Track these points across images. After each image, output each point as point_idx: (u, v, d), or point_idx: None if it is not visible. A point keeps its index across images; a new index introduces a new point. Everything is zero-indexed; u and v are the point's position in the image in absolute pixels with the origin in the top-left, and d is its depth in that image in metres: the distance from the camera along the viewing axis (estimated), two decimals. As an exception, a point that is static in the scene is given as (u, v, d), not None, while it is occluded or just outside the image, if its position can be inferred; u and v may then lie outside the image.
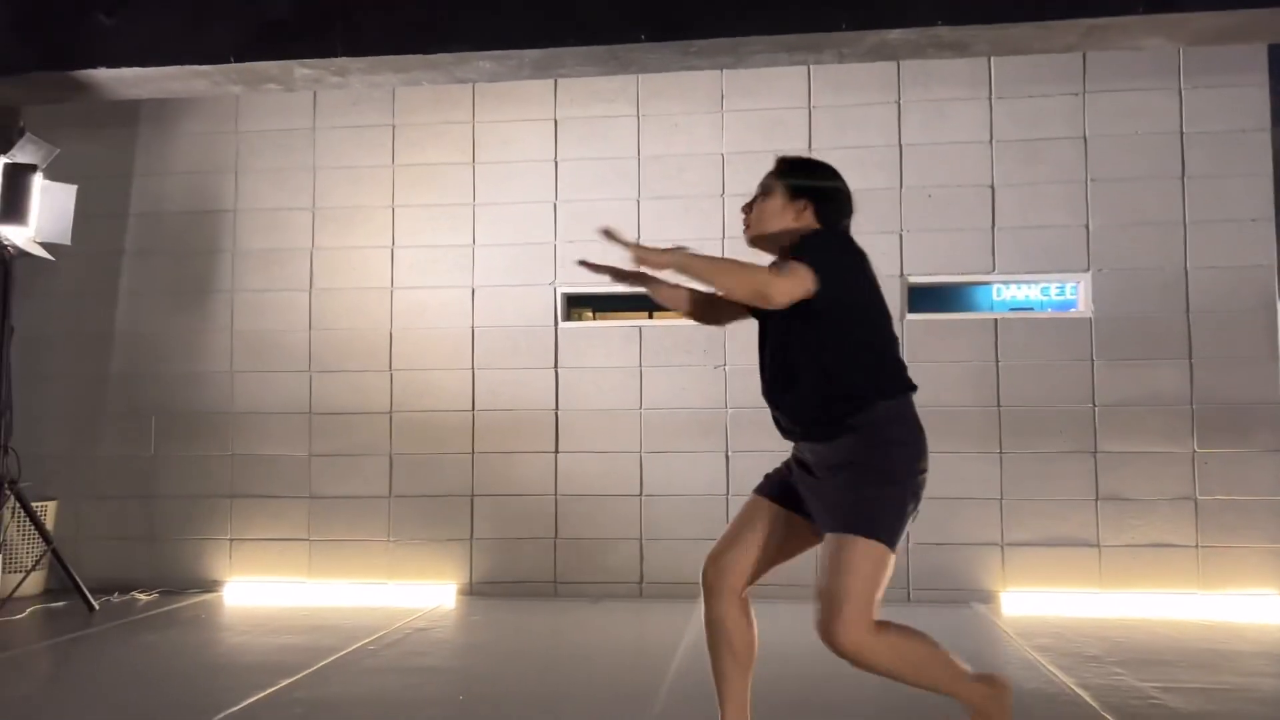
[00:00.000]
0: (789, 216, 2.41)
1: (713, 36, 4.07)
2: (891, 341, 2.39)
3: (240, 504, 5.28)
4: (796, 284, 2.21)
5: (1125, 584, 4.68)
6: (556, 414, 5.11)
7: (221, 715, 3.01)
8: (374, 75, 4.47)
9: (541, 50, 4.20)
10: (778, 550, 2.41)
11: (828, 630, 2.15)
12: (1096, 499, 4.74)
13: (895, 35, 4.02)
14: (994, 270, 4.90)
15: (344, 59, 4.29)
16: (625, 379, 5.08)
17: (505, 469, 5.11)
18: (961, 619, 4.45)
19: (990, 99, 4.94)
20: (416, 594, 5.01)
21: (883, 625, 2.19)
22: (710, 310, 2.58)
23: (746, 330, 4.90)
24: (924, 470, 2.29)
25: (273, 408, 5.29)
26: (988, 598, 4.75)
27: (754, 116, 5.09)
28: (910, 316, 4.92)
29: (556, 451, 5.09)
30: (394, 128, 5.33)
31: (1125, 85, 4.84)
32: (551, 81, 5.17)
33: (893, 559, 2.22)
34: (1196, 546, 4.66)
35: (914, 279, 4.96)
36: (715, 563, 2.39)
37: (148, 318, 5.43)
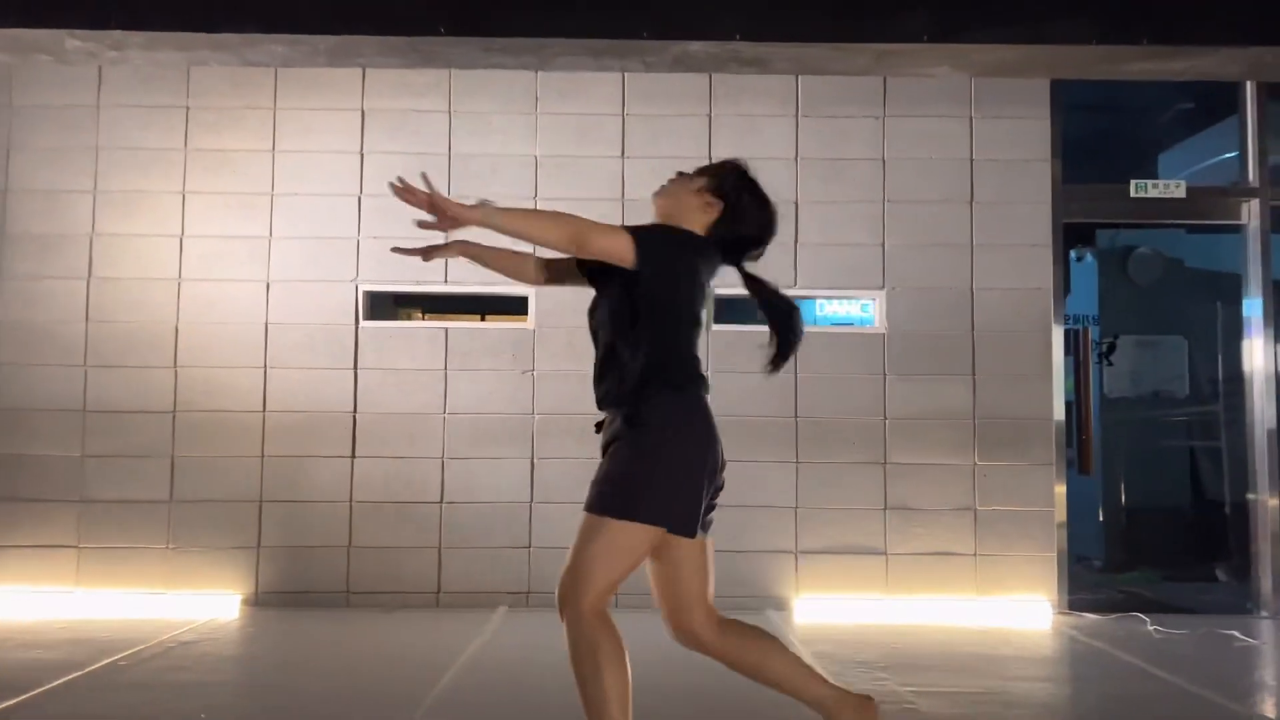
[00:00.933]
0: (694, 201, 2.40)
1: (513, 35, 4.00)
2: (692, 345, 2.38)
3: (2, 508, 4.85)
4: (613, 241, 2.20)
5: (909, 590, 4.85)
6: (355, 416, 4.92)
7: (-79, 743, 2.72)
8: (155, 52, 4.20)
9: (335, 37, 4.03)
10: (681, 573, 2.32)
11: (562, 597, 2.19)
12: (885, 508, 4.90)
13: (696, 47, 4.05)
14: (795, 285, 5.00)
15: (120, 32, 4.01)
16: (429, 381, 4.94)
17: (297, 473, 4.88)
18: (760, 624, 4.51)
19: (797, 117, 5.05)
20: (196, 605, 4.71)
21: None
22: (548, 270, 2.57)
23: (556, 336, 4.89)
24: (698, 456, 2.26)
25: (43, 404, 4.89)
26: (782, 604, 4.84)
27: (569, 120, 5.05)
28: (715, 328, 4.98)
29: (353, 456, 4.90)
30: (188, 109, 5.02)
31: (922, 111, 5.04)
32: (359, 71, 4.99)
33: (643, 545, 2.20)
34: (975, 554, 4.88)
35: (719, 290, 5.00)
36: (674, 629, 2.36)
37: (-102, 302, 4.94)
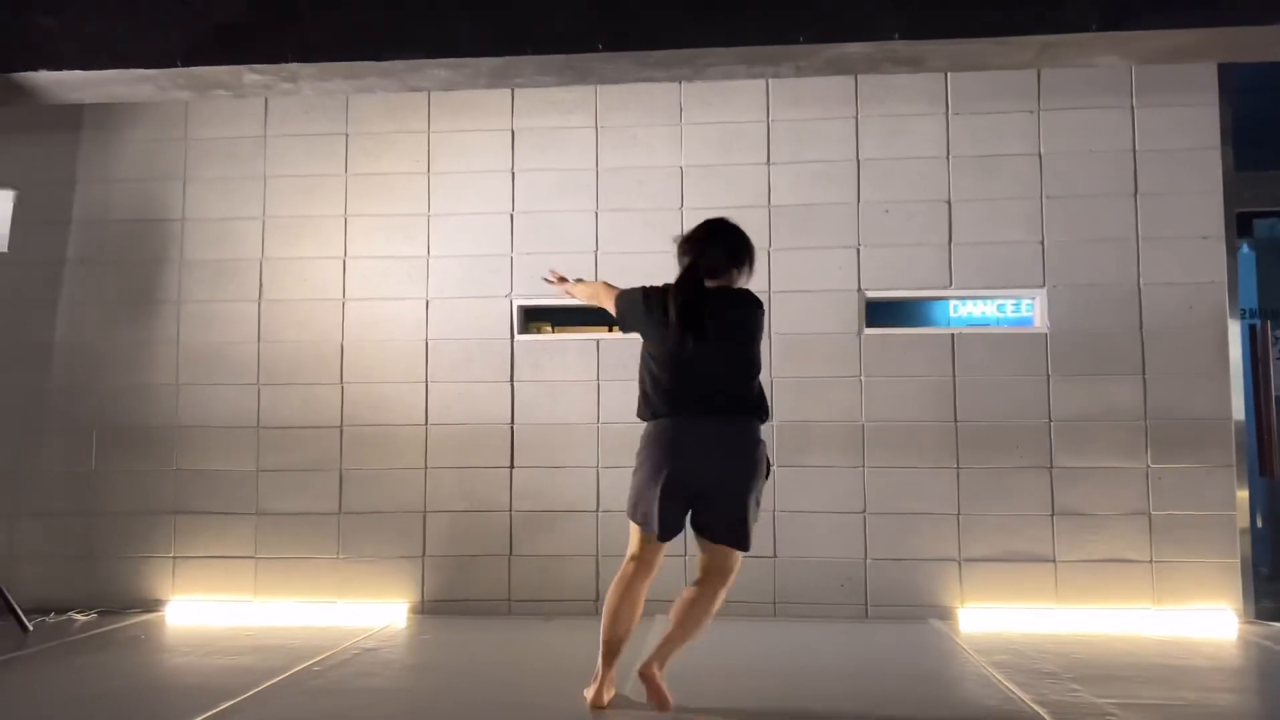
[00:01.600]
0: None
1: (669, 48, 4.03)
2: (658, 378, 3.15)
3: (184, 520, 5.12)
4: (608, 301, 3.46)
5: (1081, 599, 4.68)
6: (512, 428, 5.02)
7: (154, 741, 2.88)
8: (325, 82, 4.38)
9: (497, 59, 4.14)
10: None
11: None
12: (1052, 514, 4.74)
13: (853, 49, 4.01)
14: (950, 285, 4.90)
15: (295, 64, 4.20)
16: (583, 392, 5.01)
17: (459, 484, 5.01)
18: (920, 635, 4.42)
19: (947, 115, 4.95)
20: (366, 613, 4.88)
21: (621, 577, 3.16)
22: None
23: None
24: (649, 475, 3.12)
25: (219, 421, 5.15)
26: (946, 614, 4.72)
27: (712, 130, 5.07)
28: (868, 331, 4.91)
29: (512, 466, 5.00)
30: (347, 136, 5.23)
31: (1080, 103, 4.88)
32: (508, 91, 5.12)
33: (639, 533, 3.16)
34: (1151, 561, 4.68)
35: (871, 294, 4.95)
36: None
37: (90, 328, 5.27)
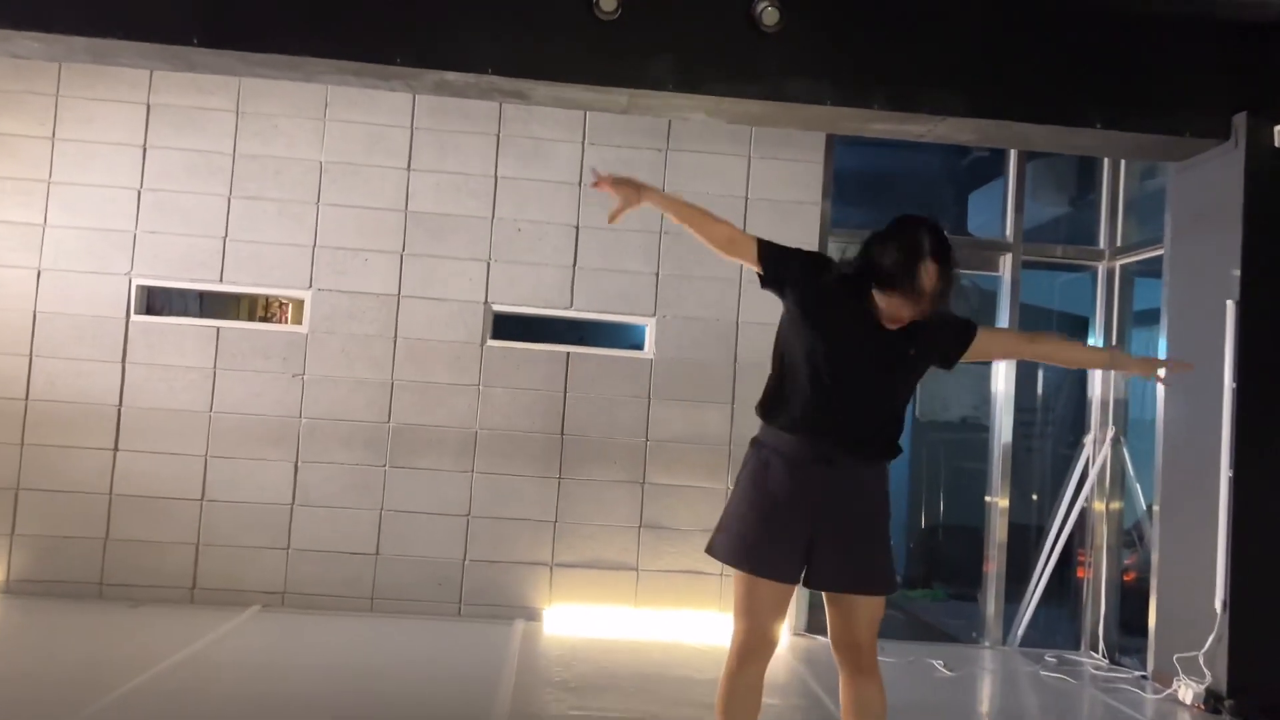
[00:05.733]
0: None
1: (268, 52, 4.04)
2: (794, 381, 2.48)
3: None
4: (739, 241, 2.63)
5: (658, 603, 5.08)
6: (120, 410, 4.93)
7: None
8: (-96, 34, 4.12)
9: (91, 40, 4.02)
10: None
11: None
12: (640, 526, 5.11)
13: (453, 77, 4.15)
14: (571, 306, 5.16)
15: None
16: (198, 380, 4.98)
17: (58, 463, 4.88)
18: (493, 635, 4.68)
19: (584, 144, 5.20)
20: (-60, 590, 4.71)
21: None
22: None
23: (328, 341, 4.96)
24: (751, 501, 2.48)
25: None
26: (534, 615, 5.02)
27: (357, 129, 5.11)
28: (491, 343, 5.11)
29: (116, 449, 4.92)
30: (-35, 90, 4.95)
31: (704, 148, 5.24)
32: (147, 65, 4.97)
33: (745, 578, 2.47)
34: (720, 574, 5.12)
35: (498, 307, 5.15)
36: None
37: None
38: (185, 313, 5.28)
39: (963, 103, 4.26)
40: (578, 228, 5.17)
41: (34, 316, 4.92)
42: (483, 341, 5.10)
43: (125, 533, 4.89)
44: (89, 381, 4.91)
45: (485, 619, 4.96)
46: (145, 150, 5.01)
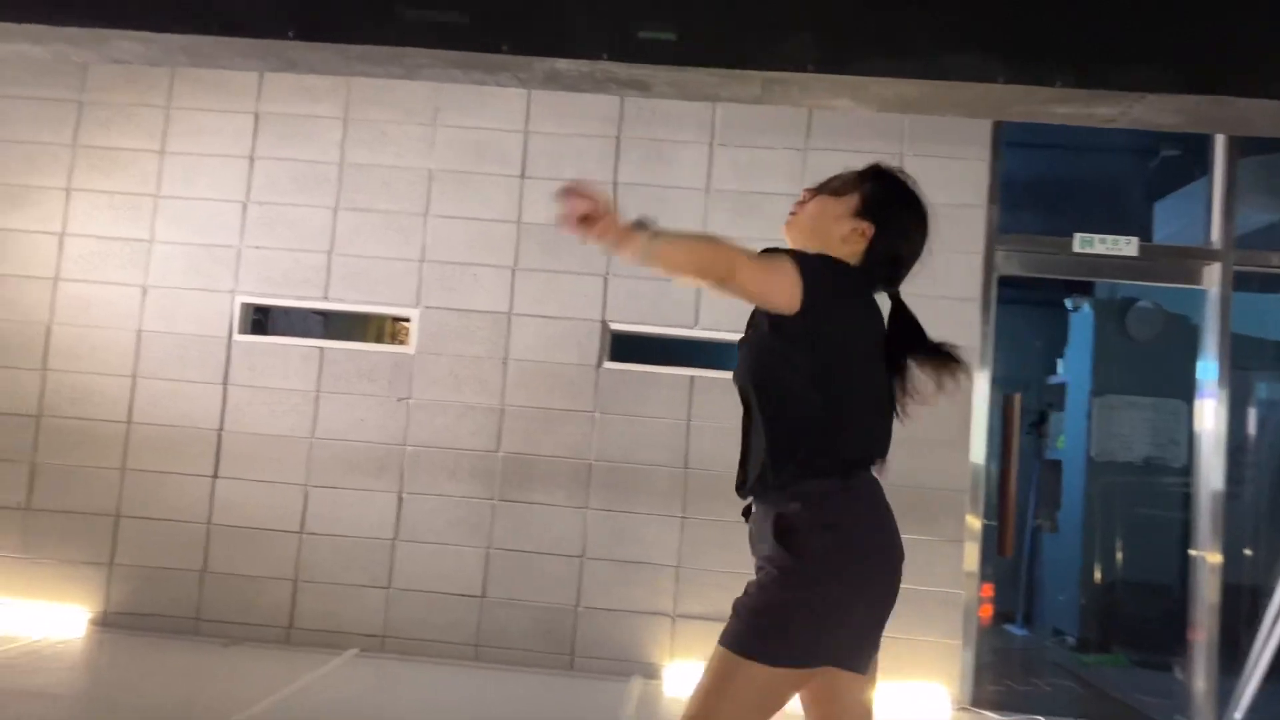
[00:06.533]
0: (840, 229, 2.00)
1: (367, 43, 3.70)
2: (858, 406, 1.93)
3: None
4: (772, 278, 1.79)
5: (795, 668, 4.43)
6: (220, 434, 4.67)
7: None
8: (10, 44, 3.99)
9: (186, 37, 3.79)
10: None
11: None
12: (775, 576, 4.49)
13: (564, 65, 3.72)
14: (696, 325, 4.63)
15: (-36, 21, 3.81)
16: (300, 403, 4.67)
17: (157, 490, 4.65)
18: (619, 696, 4.14)
19: (712, 145, 4.69)
20: (41, 619, 4.50)
21: None
22: None
23: (435, 363, 4.59)
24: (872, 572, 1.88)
25: (-91, 399, 4.74)
26: (652, 671, 4.45)
27: (468, 135, 4.75)
28: (607, 365, 4.63)
29: (215, 476, 4.65)
30: (81, 104, 4.84)
31: (848, 146, 4.63)
32: (255, 73, 4.76)
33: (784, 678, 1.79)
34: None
35: (616, 326, 4.67)
36: None
37: None
38: (307, 333, 4.99)
39: (1168, 75, 3.53)
40: (705, 238, 4.64)
41: (138, 335, 4.73)
42: (599, 364, 4.62)
43: (223, 565, 4.60)
44: (190, 404, 4.67)
45: (599, 674, 4.42)
46: (252, 161, 4.78)
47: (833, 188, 2.06)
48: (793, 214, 2.09)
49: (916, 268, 2.16)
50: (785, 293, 1.80)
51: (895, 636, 4.25)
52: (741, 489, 1.98)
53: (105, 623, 4.58)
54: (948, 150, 4.59)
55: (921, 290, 4.49)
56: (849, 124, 4.61)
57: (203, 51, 3.92)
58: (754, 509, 1.97)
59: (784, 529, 1.82)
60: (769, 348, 1.90)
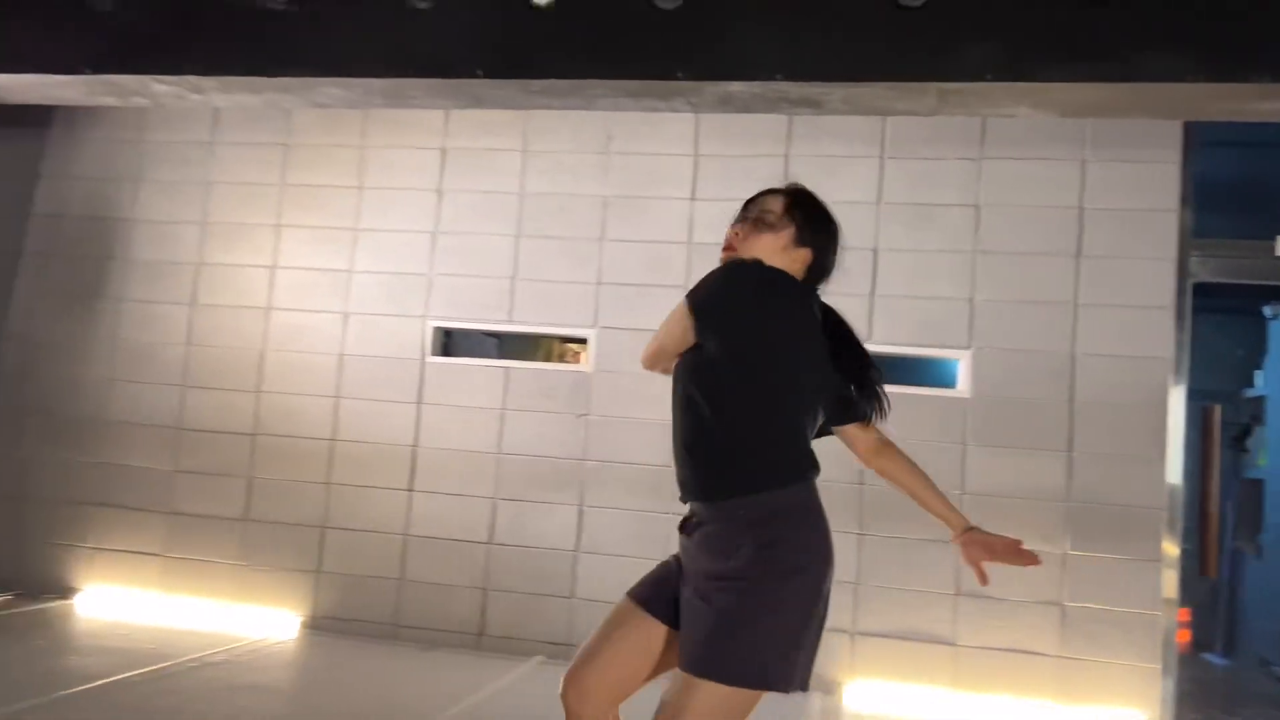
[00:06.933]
0: (782, 261, 2.12)
1: (549, 77, 3.89)
2: (803, 419, 2.10)
3: (104, 513, 5.24)
4: (669, 327, 2.12)
5: (980, 686, 4.33)
6: (414, 450, 4.97)
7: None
8: (230, 94, 4.40)
9: (385, 80, 4.08)
10: (651, 666, 2.10)
11: None
12: (957, 594, 4.40)
13: (738, 88, 3.80)
14: (870, 339, 4.61)
15: (196, 77, 4.23)
16: (487, 420, 4.92)
17: (358, 502, 4.98)
18: (798, 711, 4.16)
19: (882, 158, 4.67)
20: (258, 621, 4.90)
21: None
22: None
23: (612, 380, 4.75)
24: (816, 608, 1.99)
25: (143, 419, 5.26)
26: (831, 688, 4.44)
27: (640, 161, 4.90)
28: (781, 380, 4.66)
29: (411, 490, 4.95)
30: (286, 147, 5.28)
31: (1026, 153, 4.53)
32: (442, 111, 5.07)
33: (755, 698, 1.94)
34: (1059, 657, 4.29)
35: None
36: (576, 684, 2.10)
37: (39, 319, 5.45)
38: (485, 354, 5.26)
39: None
40: (875, 250, 4.63)
41: (340, 359, 5.09)
42: (773, 380, 4.66)
43: (418, 574, 4.88)
44: (387, 422, 4.99)
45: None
46: (440, 194, 5.08)
47: (766, 221, 2.17)
48: (727, 250, 2.20)
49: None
50: (678, 329, 2.09)
51: (1090, 659, 4.14)
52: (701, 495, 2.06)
53: (314, 625, 4.93)
54: (1134, 154, 4.42)
55: (1109, 299, 4.37)
56: (1026, 131, 4.51)
57: (398, 93, 4.21)
58: (706, 517, 2.04)
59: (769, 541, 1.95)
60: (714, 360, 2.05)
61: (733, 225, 2.24)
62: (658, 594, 2.11)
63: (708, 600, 1.95)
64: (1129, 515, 4.29)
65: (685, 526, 2.13)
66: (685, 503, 2.13)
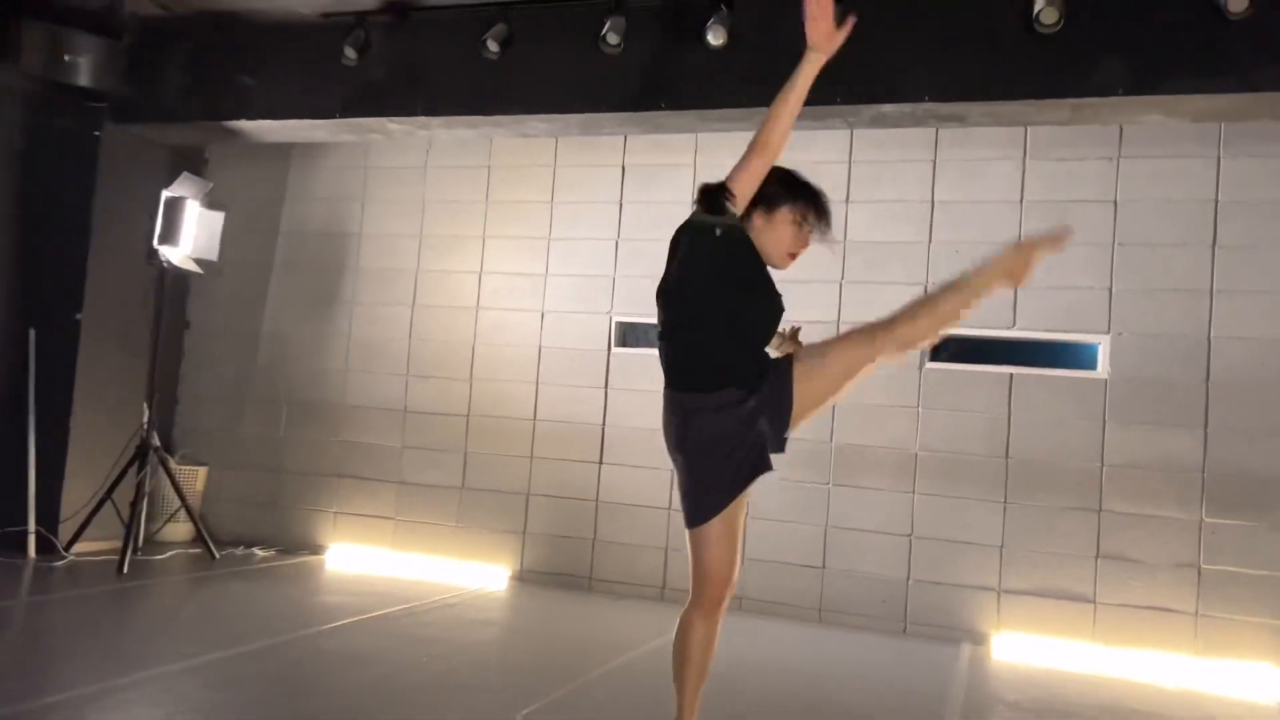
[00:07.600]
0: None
1: (723, 107, 4.54)
2: (764, 328, 2.85)
3: (345, 483, 6.24)
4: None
5: (1118, 641, 4.75)
6: (603, 429, 5.73)
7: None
8: (452, 130, 5.25)
9: (581, 115, 4.82)
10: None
11: None
12: (1097, 556, 4.83)
13: (889, 109, 4.35)
14: (1014, 326, 5.07)
15: (424, 116, 5.09)
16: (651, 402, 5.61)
17: (557, 474, 5.79)
18: (951, 657, 4.70)
19: (1024, 160, 5.11)
20: (475, 574, 5.78)
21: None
22: None
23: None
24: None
25: (375, 404, 6.22)
26: (980, 639, 4.95)
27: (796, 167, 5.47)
28: (929, 365, 5.18)
29: (600, 463, 5.71)
30: (489, 168, 6.12)
31: (1162, 152, 4.88)
32: (622, 135, 5.78)
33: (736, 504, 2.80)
34: (1196, 614, 4.67)
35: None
36: (731, 588, 2.77)
37: (286, 321, 6.50)
38: (649, 345, 5.97)
39: None
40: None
41: (539, 350, 5.90)
42: (921, 365, 5.18)
43: (608, 535, 5.65)
44: (580, 405, 5.77)
45: (930, 639, 4.98)
46: (620, 206, 5.81)
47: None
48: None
49: None
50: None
51: (1225, 616, 4.51)
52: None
53: (521, 578, 5.77)
54: (1266, 149, 4.71)
55: (1244, 286, 4.69)
56: (1161, 132, 4.85)
57: (592, 124, 4.95)
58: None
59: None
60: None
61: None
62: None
63: None
64: (1264, 485, 4.62)
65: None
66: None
